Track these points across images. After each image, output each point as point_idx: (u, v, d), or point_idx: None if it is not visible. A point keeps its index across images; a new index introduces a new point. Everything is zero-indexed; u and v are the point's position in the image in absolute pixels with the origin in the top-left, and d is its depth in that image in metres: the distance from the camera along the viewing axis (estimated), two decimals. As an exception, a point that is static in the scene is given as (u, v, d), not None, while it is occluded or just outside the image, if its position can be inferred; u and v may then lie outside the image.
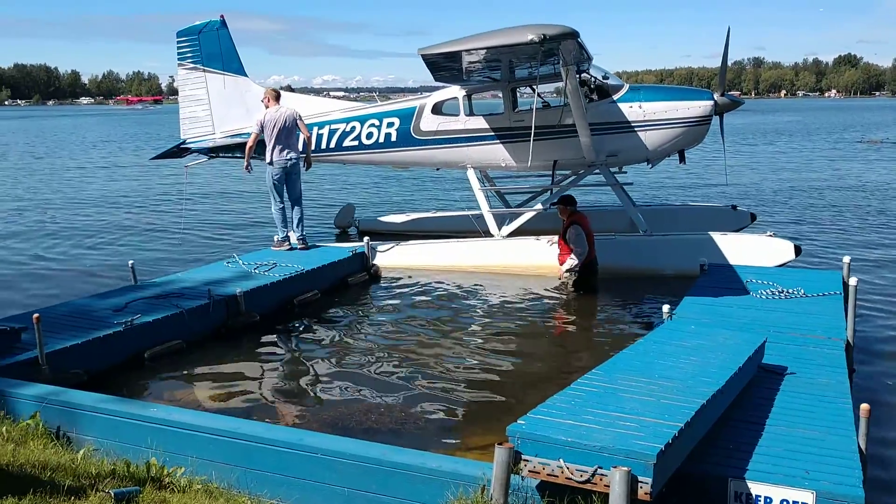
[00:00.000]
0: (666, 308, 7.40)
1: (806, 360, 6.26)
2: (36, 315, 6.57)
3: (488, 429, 6.08)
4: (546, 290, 10.47)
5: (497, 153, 11.82)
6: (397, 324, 9.12)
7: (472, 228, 12.07)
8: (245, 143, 11.24)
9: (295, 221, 11.16)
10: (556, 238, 10.72)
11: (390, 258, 11.54)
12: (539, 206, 12.14)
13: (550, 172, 12.01)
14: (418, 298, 10.20)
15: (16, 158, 35.59)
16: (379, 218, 14.89)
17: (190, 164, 13.34)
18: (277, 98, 11.10)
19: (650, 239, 11.29)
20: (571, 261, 10.27)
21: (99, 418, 5.25)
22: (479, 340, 8.50)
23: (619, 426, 4.09)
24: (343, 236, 14.32)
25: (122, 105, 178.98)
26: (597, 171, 11.81)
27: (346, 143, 12.25)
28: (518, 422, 4.17)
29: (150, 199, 20.36)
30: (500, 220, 11.86)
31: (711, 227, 11.60)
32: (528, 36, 8.69)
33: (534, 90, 11.34)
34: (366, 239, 11.36)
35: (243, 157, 11.30)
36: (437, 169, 13.51)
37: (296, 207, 11.14)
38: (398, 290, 10.66)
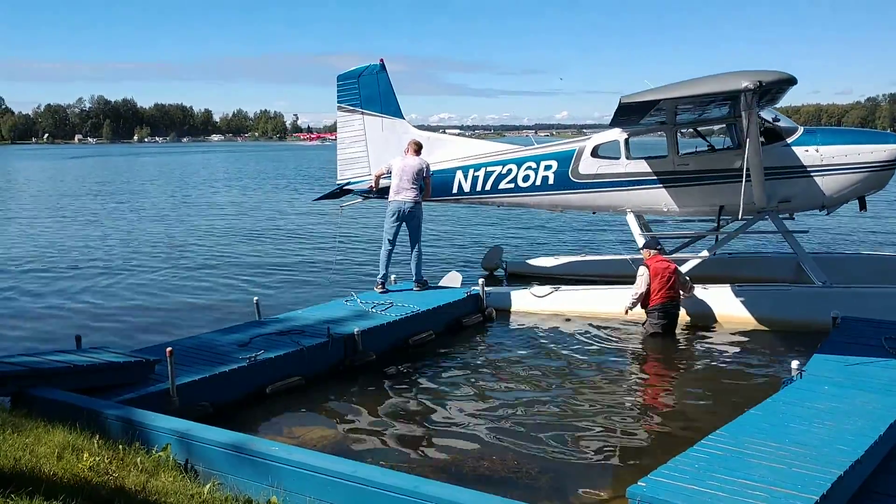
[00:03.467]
0: (795, 364, 7.03)
1: (955, 428, 5.77)
2: (169, 349, 6.95)
3: (603, 484, 5.93)
4: (673, 339, 10.17)
5: (659, 198, 11.44)
6: (511, 368, 9.06)
7: (629, 272, 11.71)
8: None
9: (413, 264, 11.27)
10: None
11: (541, 304, 11.35)
12: (705, 253, 11.67)
13: (711, 217, 11.65)
14: (534, 343, 10.10)
15: (157, 194, 37.95)
16: (528, 261, 14.60)
17: (345, 205, 13.47)
18: (417, 150, 11.32)
19: (830, 291, 10.51)
20: (630, 299, 10.33)
21: (224, 454, 5.42)
22: (594, 389, 8.30)
23: (748, 495, 3.90)
24: (490, 279, 14.11)
25: (302, 142, 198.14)
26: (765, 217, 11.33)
27: (502, 185, 12.14)
28: (639, 483, 4.05)
29: (277, 236, 21.19)
30: None
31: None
32: (742, 83, 8.34)
33: (699, 131, 11.25)
34: (480, 281, 11.37)
35: None
36: (594, 213, 13.10)
37: (413, 252, 11.23)
38: (512, 333, 10.62)
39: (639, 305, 10.42)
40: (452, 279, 11.91)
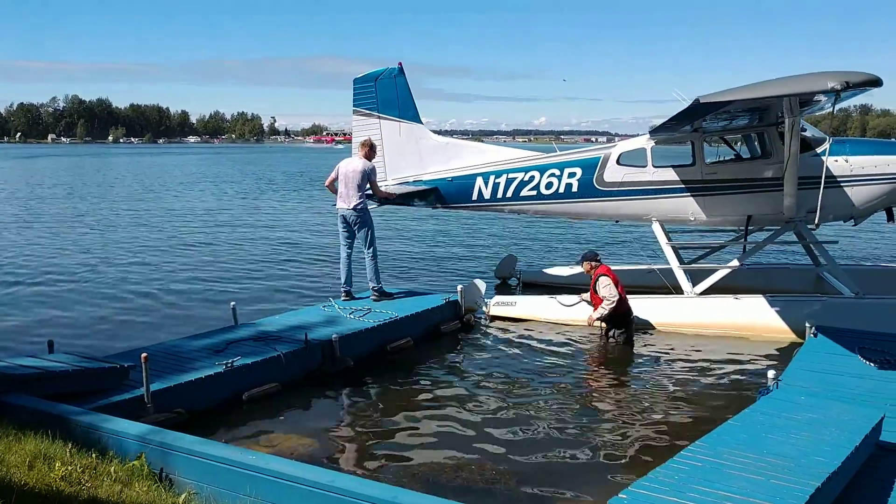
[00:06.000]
0: (771, 374, 7.09)
1: (929, 438, 5.84)
2: (144, 355, 6.86)
3: (583, 496, 5.91)
4: (652, 348, 10.22)
5: (686, 207, 11.34)
6: (489, 376, 9.03)
7: (650, 283, 11.72)
8: (416, 191, 11.76)
9: (368, 272, 11.00)
10: (586, 295, 10.77)
11: (569, 313, 11.12)
12: (735, 263, 11.56)
13: (735, 227, 11.68)
14: (512, 351, 10.08)
15: (128, 194, 37.51)
16: (543, 270, 14.43)
17: None
18: (366, 153, 11.00)
19: (864, 302, 10.42)
20: (601, 309, 10.23)
21: (200, 462, 5.34)
22: (573, 399, 8.30)
23: (727, 507, 3.90)
24: (503, 287, 14.04)
25: (321, 143, 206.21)
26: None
27: (524, 192, 11.95)
28: (620, 496, 4.04)
29: (254, 241, 21.01)
30: (671, 277, 11.42)
31: None
32: (828, 84, 8.01)
33: (725, 139, 11.34)
34: (459, 287, 11.34)
35: (415, 205, 11.88)
36: (617, 221, 12.91)
37: (367, 258, 10.96)
38: (491, 341, 10.60)
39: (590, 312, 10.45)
40: (476, 287, 11.83)
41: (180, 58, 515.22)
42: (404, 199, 12.40)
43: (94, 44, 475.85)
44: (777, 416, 5.49)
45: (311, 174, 58.41)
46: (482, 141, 13.26)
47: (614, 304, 10.17)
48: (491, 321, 11.41)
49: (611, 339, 10.27)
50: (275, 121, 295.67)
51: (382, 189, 11.82)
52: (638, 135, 12.39)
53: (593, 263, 10.56)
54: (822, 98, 9.30)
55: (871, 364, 7.67)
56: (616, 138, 12.23)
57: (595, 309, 10.37)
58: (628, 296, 10.81)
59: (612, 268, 12.56)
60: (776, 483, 4.21)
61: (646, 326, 10.89)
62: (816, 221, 10.27)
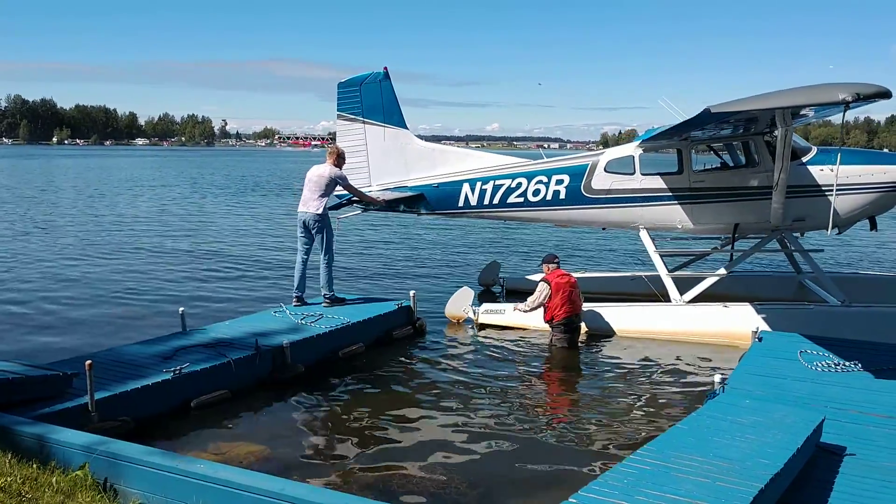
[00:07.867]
0: (717, 378, 7.26)
1: (866, 439, 6.03)
2: (89, 362, 6.70)
3: (532, 500, 5.95)
4: (604, 353, 10.33)
5: (674, 214, 11.42)
6: (441, 382, 9.03)
7: (633, 290, 11.73)
8: (401, 197, 11.85)
9: (321, 279, 10.93)
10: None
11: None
12: (723, 271, 11.59)
13: (720, 235, 11.80)
14: (464, 356, 10.11)
15: (78, 197, 36.62)
16: (527, 276, 14.29)
17: (341, 217, 12.37)
18: (334, 159, 10.97)
19: (851, 311, 10.57)
20: (524, 305, 10.78)
21: (146, 472, 5.23)
22: (524, 404, 8.36)
23: (675, 510, 3.97)
24: (487, 294, 13.96)
25: (296, 147, 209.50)
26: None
27: (511, 199, 11.89)
28: (569, 500, 4.08)
29: (203, 245, 20.70)
30: (658, 284, 11.46)
31: None
32: (838, 95, 7.85)
33: (713, 147, 11.57)
34: (412, 293, 11.32)
35: (400, 211, 12.01)
36: (604, 229, 12.88)
37: (322, 264, 10.89)
38: (443, 347, 10.60)
39: (543, 320, 10.63)
40: (464, 295, 11.80)
41: (128, 58, 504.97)
42: (389, 205, 12.28)
43: (38, 43, 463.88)
44: (723, 420, 5.61)
45: (256, 178, 57.87)
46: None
47: (525, 312, 10.70)
48: (479, 329, 11.38)
49: (554, 344, 10.41)
50: (226, 123, 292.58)
51: (367, 194, 11.82)
52: (589, 142, 12.57)
53: (550, 266, 10.77)
54: (811, 112, 9.55)
55: (812, 367, 7.88)
56: (568, 145, 12.34)
57: (547, 312, 10.53)
58: (611, 303, 11.23)
59: (597, 274, 13.06)
60: (721, 485, 4.31)
61: (631, 334, 10.95)
62: (829, 229, 10.15)
